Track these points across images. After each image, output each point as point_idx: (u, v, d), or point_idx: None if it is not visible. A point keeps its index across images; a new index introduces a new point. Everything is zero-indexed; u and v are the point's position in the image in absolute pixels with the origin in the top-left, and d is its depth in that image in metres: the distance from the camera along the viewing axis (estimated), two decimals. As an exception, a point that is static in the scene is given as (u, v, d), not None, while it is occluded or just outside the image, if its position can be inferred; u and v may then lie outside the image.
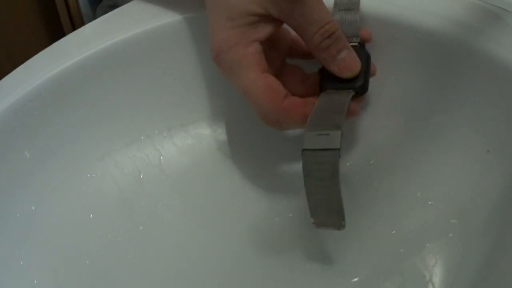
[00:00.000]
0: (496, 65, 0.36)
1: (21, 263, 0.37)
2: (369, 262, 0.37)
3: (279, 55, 0.39)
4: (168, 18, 0.41)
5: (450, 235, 0.37)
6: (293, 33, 0.38)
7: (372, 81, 0.38)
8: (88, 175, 0.41)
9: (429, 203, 0.39)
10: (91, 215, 0.40)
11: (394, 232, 0.38)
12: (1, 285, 0.35)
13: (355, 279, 0.37)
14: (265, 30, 0.36)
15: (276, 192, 0.42)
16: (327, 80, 0.37)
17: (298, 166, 0.33)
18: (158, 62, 0.42)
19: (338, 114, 0.34)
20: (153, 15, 0.42)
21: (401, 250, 0.38)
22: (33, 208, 0.39)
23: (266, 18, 0.36)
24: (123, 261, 0.39)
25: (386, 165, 0.41)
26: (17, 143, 0.38)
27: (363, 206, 0.40)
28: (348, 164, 0.41)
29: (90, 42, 0.41)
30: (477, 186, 0.37)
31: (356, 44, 0.38)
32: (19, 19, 1.03)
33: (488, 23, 0.38)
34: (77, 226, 0.39)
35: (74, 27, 1.01)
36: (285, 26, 0.37)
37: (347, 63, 0.36)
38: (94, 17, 0.99)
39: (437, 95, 0.40)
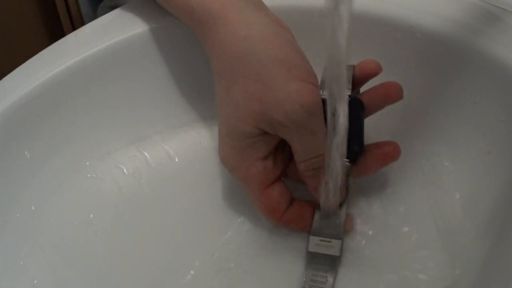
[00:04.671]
0: (496, 65, 0.36)
1: (21, 263, 0.37)
2: (368, 261, 0.37)
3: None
4: (169, 18, 0.41)
5: (450, 235, 0.37)
6: None
7: (372, 81, 0.38)
8: (88, 175, 0.41)
9: (429, 203, 0.39)
10: (91, 215, 0.40)
11: (394, 230, 0.38)
12: (1, 285, 0.35)
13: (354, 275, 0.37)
14: (266, 148, 0.36)
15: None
16: None
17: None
18: (159, 62, 0.42)
19: (339, 222, 0.37)
20: (153, 15, 0.42)
21: (400, 250, 0.38)
22: (33, 208, 0.39)
23: (265, 135, 0.35)
24: (123, 261, 0.39)
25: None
26: (17, 143, 0.38)
27: (363, 205, 0.40)
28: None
29: (90, 42, 0.41)
30: (478, 186, 0.37)
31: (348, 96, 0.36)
32: (19, 19, 1.03)
33: (488, 23, 0.38)
34: (77, 226, 0.39)
35: (74, 27, 1.01)
36: None
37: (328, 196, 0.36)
38: (94, 17, 0.99)
39: (437, 95, 0.40)
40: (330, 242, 0.37)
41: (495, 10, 0.39)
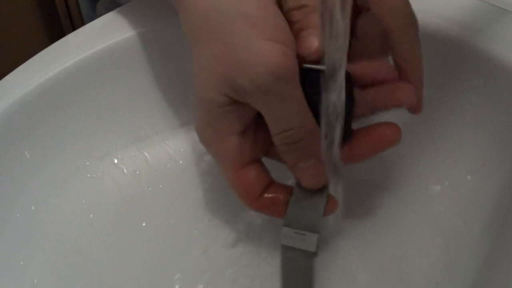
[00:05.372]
0: (496, 65, 0.36)
1: (21, 263, 0.37)
2: (368, 259, 0.37)
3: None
4: (170, 18, 0.41)
5: (449, 235, 0.37)
6: None
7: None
8: (88, 175, 0.41)
9: (429, 202, 0.39)
10: (91, 215, 0.40)
11: (393, 229, 0.38)
12: (1, 285, 0.35)
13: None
14: (240, 120, 0.31)
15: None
16: None
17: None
18: (159, 62, 0.42)
19: (316, 211, 0.32)
20: (154, 16, 0.42)
21: (399, 249, 0.38)
22: (33, 208, 0.39)
23: (237, 105, 0.31)
24: (123, 261, 0.39)
25: (385, 164, 0.41)
26: (17, 143, 0.38)
27: (363, 205, 0.40)
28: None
29: (90, 42, 0.41)
30: (478, 186, 0.37)
31: None
32: (19, 19, 1.03)
33: (488, 23, 0.38)
34: (77, 226, 0.39)
35: (74, 27, 1.01)
36: None
37: (309, 174, 0.32)
38: (94, 17, 0.99)
39: (436, 95, 0.40)
40: (304, 235, 0.32)
41: (495, 10, 0.39)
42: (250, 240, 0.40)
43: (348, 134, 0.32)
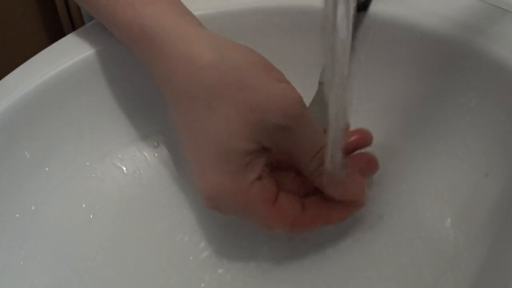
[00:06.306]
0: (496, 65, 0.36)
1: (21, 263, 0.37)
2: (368, 259, 0.37)
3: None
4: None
5: (448, 238, 0.37)
6: None
7: (372, 81, 0.38)
8: (88, 175, 0.41)
9: (429, 202, 0.39)
10: (91, 215, 0.40)
11: (392, 231, 0.38)
12: (1, 285, 0.35)
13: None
14: (262, 163, 0.33)
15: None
16: None
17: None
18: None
19: None
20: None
21: (397, 250, 0.38)
22: (33, 208, 0.39)
23: (258, 152, 0.32)
24: (123, 261, 0.39)
25: (385, 164, 0.41)
26: (17, 143, 0.38)
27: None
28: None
29: (90, 42, 0.41)
30: (478, 185, 0.37)
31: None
32: (19, 19, 1.03)
33: (488, 23, 0.38)
34: (77, 226, 0.39)
35: (74, 27, 1.01)
36: None
37: (352, 188, 0.35)
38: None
39: (436, 95, 0.40)
40: None
41: (495, 10, 0.39)
42: (249, 241, 0.40)
43: (366, 7, 0.34)
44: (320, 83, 0.35)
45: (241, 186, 0.32)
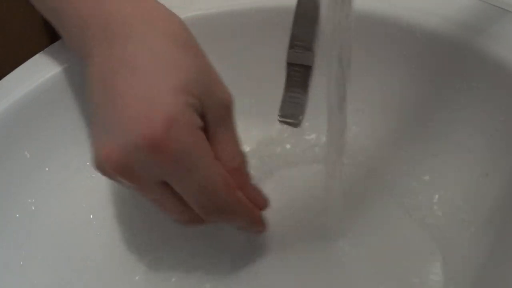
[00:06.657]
0: (496, 65, 0.36)
1: (21, 263, 0.37)
2: (368, 259, 0.38)
3: None
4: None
5: (449, 238, 0.37)
6: None
7: (371, 81, 0.38)
8: (88, 175, 0.41)
9: (429, 203, 0.39)
10: (91, 215, 0.40)
11: (393, 230, 0.39)
12: (1, 285, 0.35)
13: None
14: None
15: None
16: None
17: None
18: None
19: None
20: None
21: (397, 251, 0.38)
22: (33, 208, 0.39)
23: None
24: (123, 262, 0.39)
25: (385, 165, 0.41)
26: (17, 143, 0.38)
27: (360, 206, 0.40)
28: (346, 163, 0.41)
29: (90, 42, 0.41)
30: (477, 186, 0.37)
31: None
32: (19, 19, 1.03)
33: (488, 23, 0.38)
34: (77, 226, 0.39)
35: (74, 27, 1.01)
36: None
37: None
38: (94, 17, 0.99)
39: (436, 95, 0.40)
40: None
41: (495, 10, 0.39)
42: (250, 240, 0.40)
43: None
44: (289, 64, 0.35)
45: (193, 121, 0.31)
